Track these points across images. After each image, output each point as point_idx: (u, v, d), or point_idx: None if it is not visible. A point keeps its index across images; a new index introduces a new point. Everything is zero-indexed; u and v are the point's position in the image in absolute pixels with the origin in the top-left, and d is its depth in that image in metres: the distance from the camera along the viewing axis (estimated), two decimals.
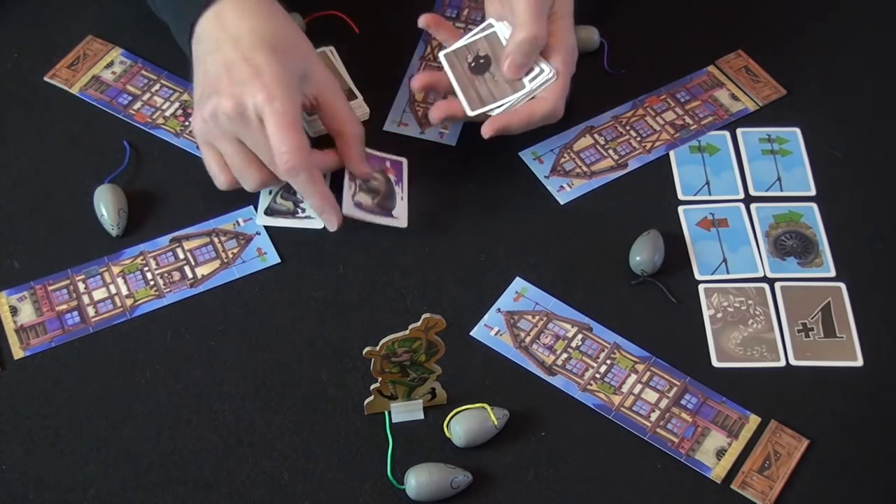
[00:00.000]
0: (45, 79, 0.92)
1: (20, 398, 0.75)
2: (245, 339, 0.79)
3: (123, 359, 0.77)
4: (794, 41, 0.97)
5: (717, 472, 0.73)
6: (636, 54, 0.95)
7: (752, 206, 0.86)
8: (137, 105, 0.91)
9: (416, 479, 0.70)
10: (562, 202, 0.86)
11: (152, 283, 0.81)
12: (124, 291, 0.81)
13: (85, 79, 0.92)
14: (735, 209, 0.86)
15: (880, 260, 0.83)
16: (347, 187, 0.83)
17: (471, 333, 0.79)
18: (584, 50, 0.92)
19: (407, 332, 0.67)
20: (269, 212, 0.85)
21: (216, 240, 0.83)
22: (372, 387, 0.72)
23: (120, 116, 0.90)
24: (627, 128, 0.91)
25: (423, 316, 0.66)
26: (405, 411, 0.75)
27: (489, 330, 0.79)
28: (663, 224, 0.84)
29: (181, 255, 0.83)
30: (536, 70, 0.82)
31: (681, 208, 0.86)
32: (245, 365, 0.77)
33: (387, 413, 0.75)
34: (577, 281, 0.82)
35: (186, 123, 0.90)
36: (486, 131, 0.83)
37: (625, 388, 0.77)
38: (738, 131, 0.90)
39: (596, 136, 0.90)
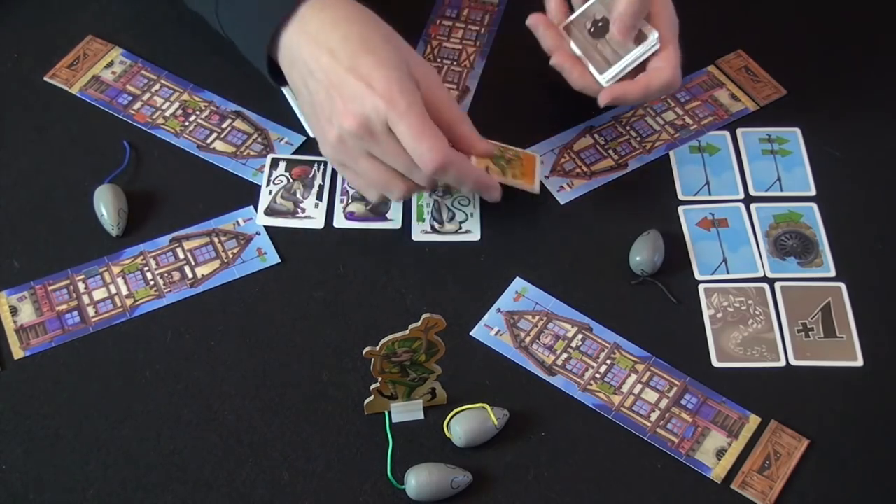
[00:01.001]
0: (45, 79, 0.92)
1: (20, 398, 0.75)
2: (245, 339, 0.79)
3: (123, 359, 0.77)
4: (794, 41, 0.97)
5: (717, 472, 0.73)
6: None
7: (752, 206, 0.86)
8: (137, 105, 0.91)
9: (416, 479, 0.70)
10: (562, 202, 0.86)
11: (152, 283, 0.81)
12: (124, 291, 0.81)
13: (85, 79, 0.92)
14: (735, 209, 0.86)
15: (880, 260, 0.83)
16: (339, 200, 0.84)
17: (471, 333, 0.79)
18: None
19: (407, 332, 0.67)
20: (270, 212, 0.85)
21: (216, 240, 0.83)
22: (372, 387, 0.72)
23: (120, 116, 0.90)
24: (627, 128, 0.91)
25: (423, 316, 0.66)
26: (405, 411, 0.75)
27: (489, 330, 0.79)
28: (663, 224, 0.84)
29: (181, 255, 0.83)
30: (644, 35, 0.81)
31: (681, 208, 0.86)
32: (245, 365, 0.77)
33: (387, 413, 0.75)
34: (577, 281, 0.82)
35: (186, 123, 0.90)
36: (603, 99, 0.81)
37: (625, 388, 0.77)
38: (738, 131, 0.90)
39: (596, 136, 0.90)
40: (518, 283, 0.81)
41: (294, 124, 0.90)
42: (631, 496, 0.72)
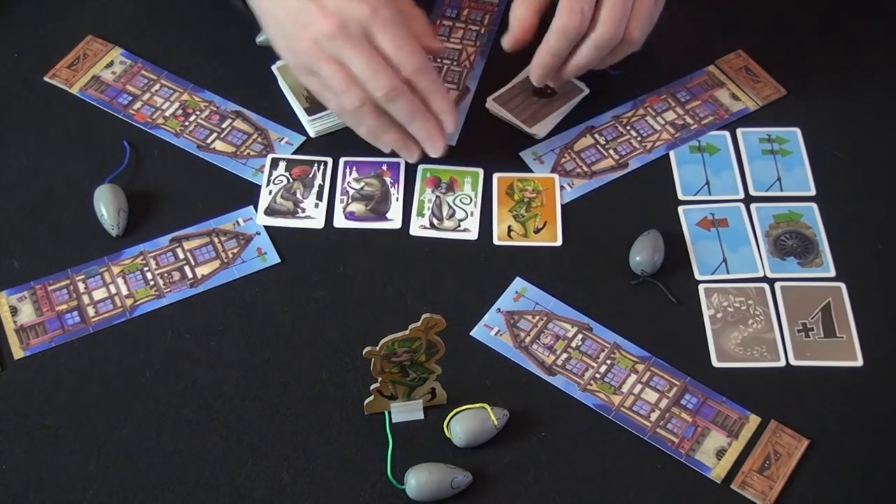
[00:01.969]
0: (45, 79, 0.92)
1: (20, 398, 0.75)
2: (245, 339, 0.79)
3: (123, 359, 0.77)
4: (794, 41, 0.97)
5: (717, 472, 0.73)
6: (636, 54, 0.95)
7: (752, 206, 0.86)
8: (137, 105, 0.91)
9: (416, 479, 0.70)
10: (562, 202, 0.86)
11: (152, 283, 0.81)
12: (124, 291, 0.81)
13: (85, 79, 0.92)
14: (735, 209, 0.86)
15: (880, 260, 0.83)
16: (339, 201, 0.84)
17: (471, 333, 0.79)
18: None
19: (407, 332, 0.67)
20: (269, 212, 0.85)
21: (216, 240, 0.83)
22: (372, 387, 0.72)
23: (120, 116, 0.90)
24: (628, 128, 0.91)
25: (423, 316, 0.66)
26: (405, 411, 0.75)
27: (489, 330, 0.79)
28: (663, 224, 0.84)
29: (181, 255, 0.83)
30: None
31: (681, 208, 0.86)
32: (245, 365, 0.77)
33: (387, 413, 0.75)
34: (577, 281, 0.82)
35: (186, 123, 0.90)
36: (535, 73, 0.85)
37: (625, 388, 0.77)
38: (738, 131, 0.90)
39: (596, 135, 0.90)
40: (518, 283, 0.81)
41: (294, 124, 0.90)
42: (631, 496, 0.72)
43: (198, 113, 0.91)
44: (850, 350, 0.78)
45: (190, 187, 0.86)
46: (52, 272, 0.81)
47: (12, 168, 0.87)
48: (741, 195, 0.87)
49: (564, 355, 0.78)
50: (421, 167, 0.87)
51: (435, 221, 0.84)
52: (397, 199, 0.85)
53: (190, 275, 0.82)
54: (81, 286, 0.81)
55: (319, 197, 0.86)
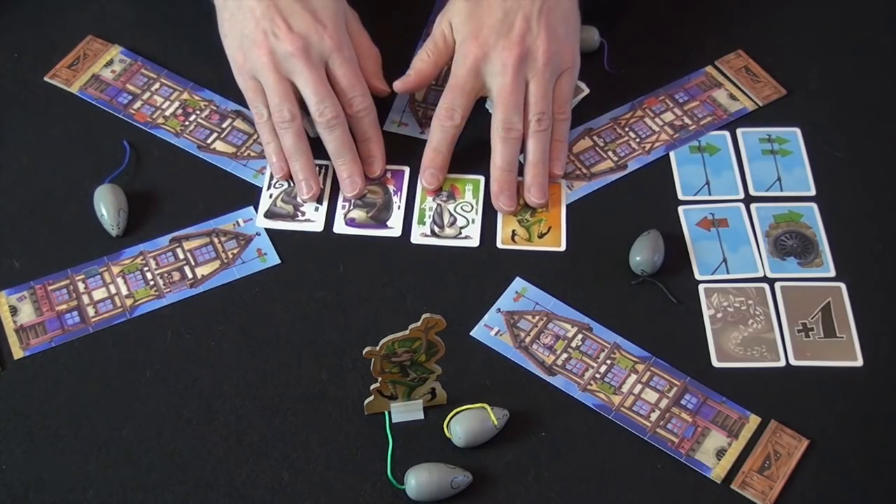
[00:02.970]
0: (45, 79, 0.92)
1: (20, 398, 0.75)
2: (245, 339, 0.79)
3: (123, 359, 0.77)
4: (794, 41, 0.97)
5: (717, 472, 0.73)
6: (636, 54, 0.95)
7: (752, 206, 0.86)
8: (137, 104, 0.91)
9: (416, 479, 0.70)
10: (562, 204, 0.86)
11: (152, 283, 0.81)
12: (124, 291, 0.81)
13: (84, 78, 0.92)
14: (735, 209, 0.86)
15: (880, 260, 0.83)
16: (340, 206, 0.84)
17: (471, 333, 0.79)
18: (585, 50, 0.92)
19: (407, 332, 0.67)
20: (269, 215, 0.85)
21: (216, 240, 0.83)
22: (372, 387, 0.72)
23: (120, 116, 0.90)
24: (626, 129, 0.91)
25: (423, 316, 0.66)
26: (405, 411, 0.75)
27: (489, 330, 0.79)
28: (663, 224, 0.84)
29: (181, 256, 0.83)
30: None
31: (681, 208, 0.86)
32: (245, 365, 0.77)
33: (387, 413, 0.75)
34: (577, 281, 0.82)
35: (186, 123, 0.90)
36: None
37: (625, 388, 0.77)
38: (738, 131, 0.90)
39: (595, 137, 0.90)
40: (518, 283, 0.82)
41: None
42: (631, 496, 0.72)
43: (198, 112, 0.91)
44: (850, 350, 0.78)
45: (190, 187, 0.86)
46: (52, 272, 0.81)
47: (12, 168, 0.87)
48: (741, 195, 0.87)
49: (564, 355, 0.78)
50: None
51: (436, 229, 0.84)
52: (399, 208, 0.85)
53: (190, 275, 0.81)
54: (81, 286, 0.81)
55: (319, 201, 0.86)
